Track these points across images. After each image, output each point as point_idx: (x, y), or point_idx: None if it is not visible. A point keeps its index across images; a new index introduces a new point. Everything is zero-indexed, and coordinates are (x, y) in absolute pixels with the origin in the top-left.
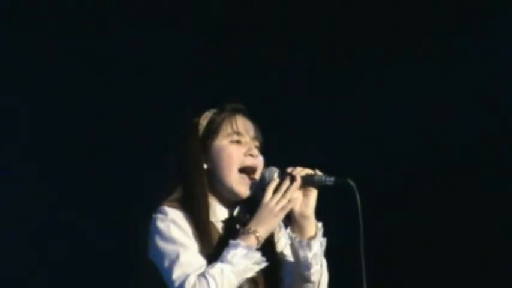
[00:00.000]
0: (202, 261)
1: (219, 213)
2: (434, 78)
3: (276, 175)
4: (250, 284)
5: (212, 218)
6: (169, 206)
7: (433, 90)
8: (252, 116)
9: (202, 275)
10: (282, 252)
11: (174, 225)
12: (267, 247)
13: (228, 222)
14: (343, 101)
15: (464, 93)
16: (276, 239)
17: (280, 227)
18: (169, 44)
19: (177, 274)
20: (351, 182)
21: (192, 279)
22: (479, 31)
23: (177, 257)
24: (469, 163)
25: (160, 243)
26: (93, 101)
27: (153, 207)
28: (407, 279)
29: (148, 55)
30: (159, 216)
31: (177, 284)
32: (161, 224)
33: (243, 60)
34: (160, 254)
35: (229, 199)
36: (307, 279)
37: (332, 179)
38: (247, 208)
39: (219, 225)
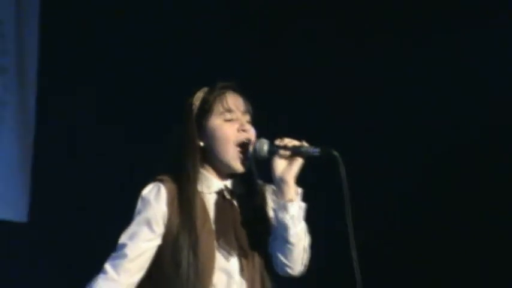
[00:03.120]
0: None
1: (213, 185)
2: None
3: (266, 146)
4: (239, 251)
5: (206, 190)
6: (161, 180)
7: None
8: (242, 90)
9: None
10: (270, 216)
11: (143, 210)
12: (259, 212)
13: (221, 193)
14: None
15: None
16: (268, 202)
17: (271, 192)
18: None
19: (120, 241)
20: (335, 152)
21: (106, 265)
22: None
23: (126, 233)
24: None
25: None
26: None
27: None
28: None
29: None
30: (144, 193)
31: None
32: (139, 203)
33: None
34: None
35: (224, 172)
36: (286, 241)
37: (318, 149)
38: (241, 180)
39: (213, 196)
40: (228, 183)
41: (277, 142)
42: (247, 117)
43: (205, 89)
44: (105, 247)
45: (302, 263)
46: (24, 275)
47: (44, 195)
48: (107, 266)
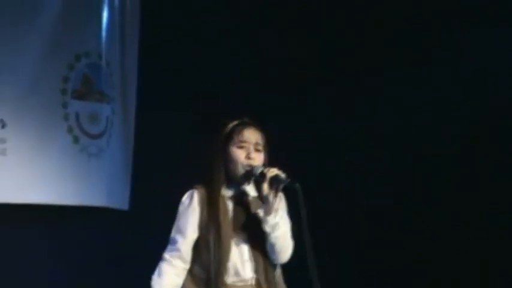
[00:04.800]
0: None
1: (229, 192)
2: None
3: (258, 171)
4: (248, 240)
5: (226, 194)
6: (196, 187)
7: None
8: (258, 126)
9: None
10: None
11: (184, 211)
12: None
13: (235, 198)
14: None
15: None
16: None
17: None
18: None
19: (172, 236)
20: (297, 186)
21: (166, 255)
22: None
23: (175, 230)
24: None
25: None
26: None
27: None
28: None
29: None
30: (183, 198)
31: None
32: (180, 206)
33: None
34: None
35: (236, 182)
36: (269, 241)
37: (288, 180)
38: (254, 187)
39: (232, 199)
40: (246, 188)
41: (265, 170)
42: (258, 147)
43: (234, 122)
44: None
45: (284, 256)
46: (122, 250)
47: (142, 189)
48: (166, 256)
